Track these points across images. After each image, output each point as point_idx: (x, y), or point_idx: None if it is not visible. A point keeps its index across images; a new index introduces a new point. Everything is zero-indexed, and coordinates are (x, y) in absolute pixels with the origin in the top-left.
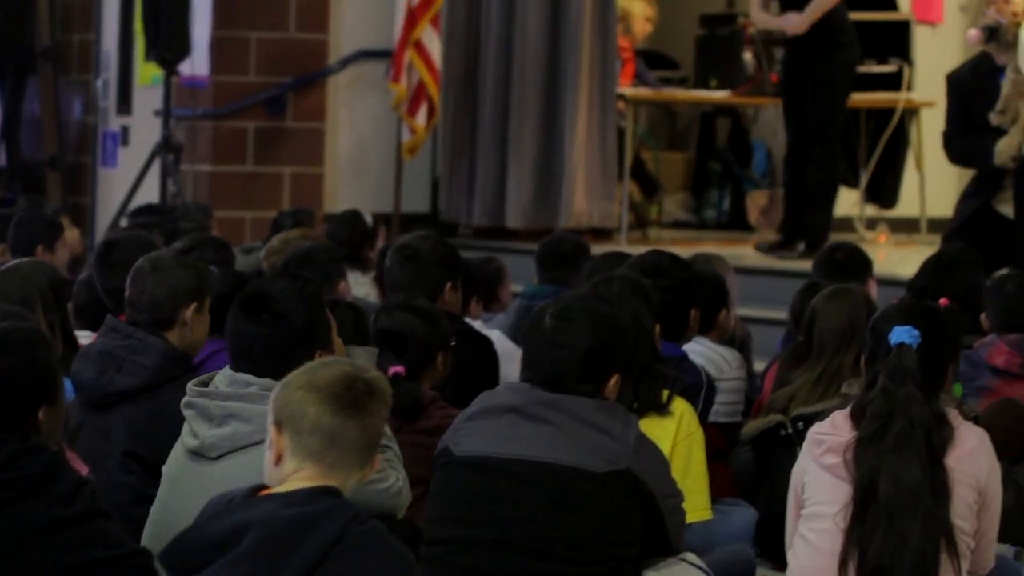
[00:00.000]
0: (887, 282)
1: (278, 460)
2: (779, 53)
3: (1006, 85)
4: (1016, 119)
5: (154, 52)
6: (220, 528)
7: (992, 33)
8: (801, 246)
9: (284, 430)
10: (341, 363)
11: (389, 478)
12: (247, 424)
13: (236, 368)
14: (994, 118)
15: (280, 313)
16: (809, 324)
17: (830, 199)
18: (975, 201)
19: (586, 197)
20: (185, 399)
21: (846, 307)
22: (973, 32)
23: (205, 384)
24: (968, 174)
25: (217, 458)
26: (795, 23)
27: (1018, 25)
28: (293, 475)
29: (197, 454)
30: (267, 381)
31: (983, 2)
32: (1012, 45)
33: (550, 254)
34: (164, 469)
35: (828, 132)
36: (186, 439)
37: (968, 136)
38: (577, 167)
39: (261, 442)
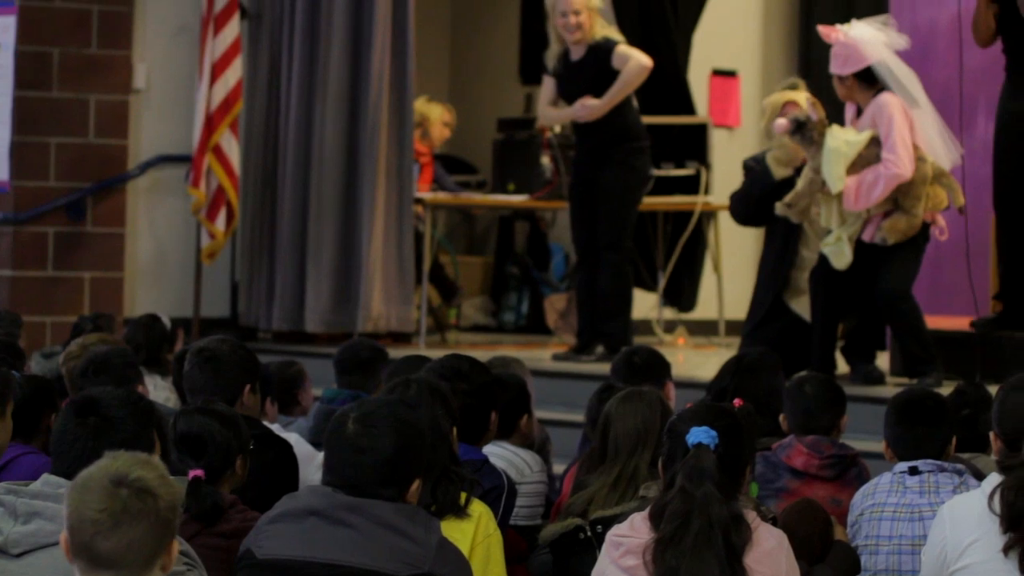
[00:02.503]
0: (686, 384)
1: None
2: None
3: (801, 181)
4: (804, 212)
5: None
6: None
7: (800, 126)
8: (600, 349)
9: (66, 529)
10: (118, 461)
11: None
12: (50, 523)
13: (54, 469)
14: (780, 208)
15: (108, 418)
16: (604, 427)
17: (626, 304)
18: (768, 294)
19: (383, 301)
20: None
21: (640, 409)
22: (782, 122)
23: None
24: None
25: (19, 555)
26: (592, 107)
27: (825, 126)
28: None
29: (0, 551)
30: None
31: (776, 108)
32: (816, 143)
33: (348, 359)
34: None
35: (620, 238)
36: None
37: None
38: (374, 272)
39: None
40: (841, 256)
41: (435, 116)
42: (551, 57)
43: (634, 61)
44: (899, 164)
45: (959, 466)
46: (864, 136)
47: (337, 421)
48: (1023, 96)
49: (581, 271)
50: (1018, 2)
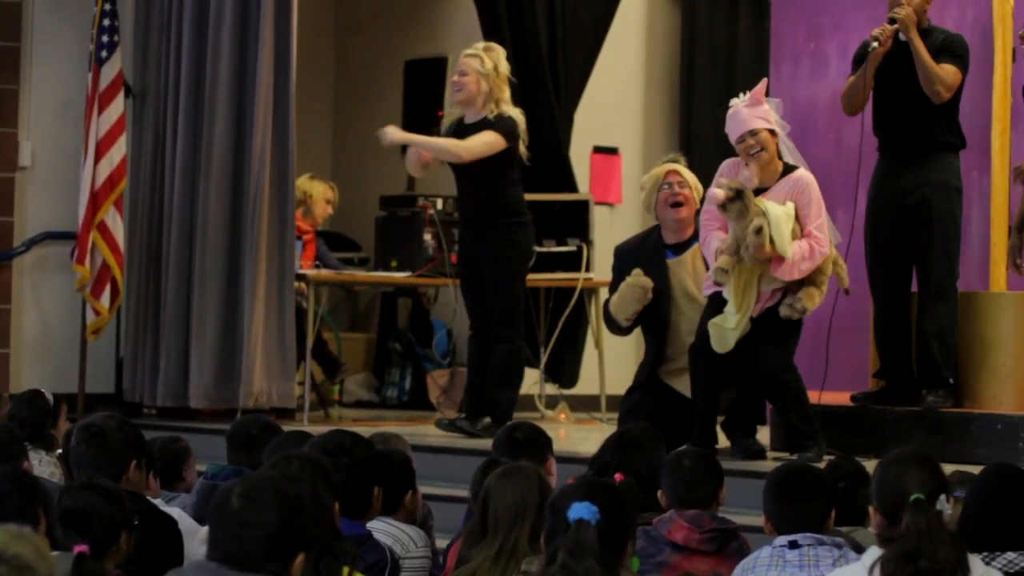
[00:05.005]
0: (568, 460)
1: None
2: (458, 234)
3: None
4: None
5: None
6: None
7: (739, 195)
8: (486, 420)
9: None
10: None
11: None
12: None
13: None
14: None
15: None
16: (484, 502)
17: (517, 377)
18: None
19: (265, 377)
20: None
21: (518, 484)
22: (719, 192)
23: None
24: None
25: None
26: (391, 133)
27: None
28: None
29: None
30: None
31: (657, 181)
32: (745, 214)
33: (238, 435)
34: None
35: (510, 313)
36: None
37: None
38: (256, 348)
39: None
40: (725, 342)
41: (318, 193)
42: (449, 121)
43: (467, 144)
44: (825, 244)
45: (838, 539)
46: (792, 208)
47: (221, 496)
48: (893, 176)
49: (474, 341)
50: (923, 79)
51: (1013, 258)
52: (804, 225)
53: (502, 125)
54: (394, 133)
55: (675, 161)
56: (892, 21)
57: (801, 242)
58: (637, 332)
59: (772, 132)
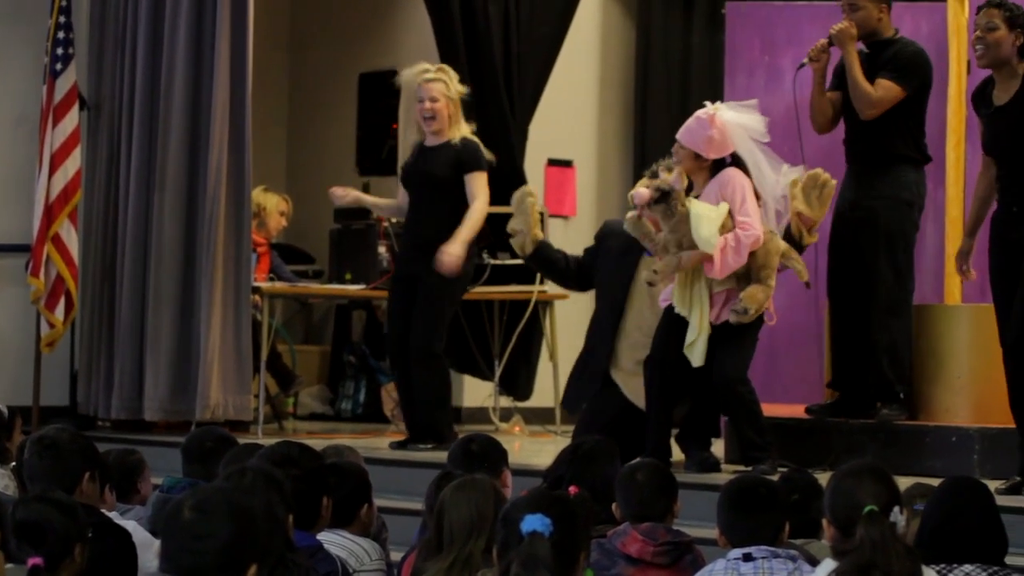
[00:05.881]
0: (523, 472)
1: None
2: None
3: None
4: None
5: None
6: None
7: (665, 195)
8: (429, 444)
9: None
10: None
11: None
12: None
13: None
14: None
15: None
16: (439, 515)
17: (445, 398)
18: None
19: (221, 390)
20: None
21: (473, 497)
22: (644, 192)
23: None
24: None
25: None
26: (453, 254)
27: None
28: None
29: None
30: None
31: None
32: (676, 214)
33: (193, 448)
34: None
35: (438, 332)
36: None
37: None
38: (212, 361)
39: None
40: (701, 354)
41: (271, 206)
42: (407, 148)
43: (480, 201)
44: (754, 226)
45: (792, 552)
46: (724, 207)
47: (173, 509)
48: (861, 186)
49: (397, 365)
50: (851, 94)
51: (960, 264)
52: (732, 216)
53: (473, 155)
54: (452, 259)
55: (668, 168)
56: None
57: (726, 235)
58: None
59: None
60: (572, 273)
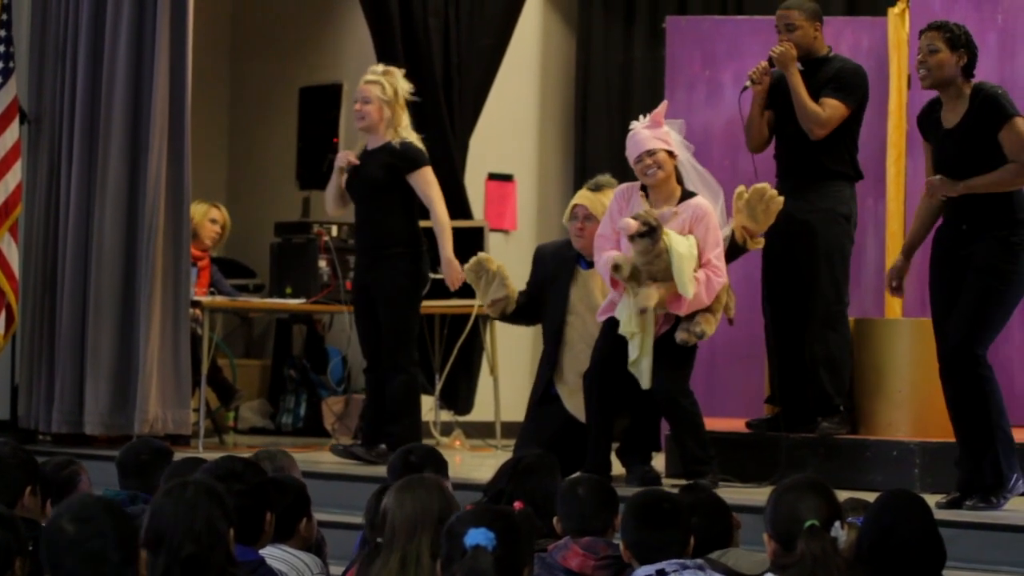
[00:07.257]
0: (463, 486)
1: None
2: (353, 261)
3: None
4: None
5: None
6: None
7: (652, 231)
8: (382, 447)
9: None
10: None
11: None
12: None
13: None
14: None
15: None
16: (383, 516)
17: (415, 407)
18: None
19: (160, 404)
20: None
21: (418, 495)
22: (632, 223)
23: None
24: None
25: None
26: (455, 270)
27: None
28: None
29: None
30: None
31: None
32: (651, 250)
33: (128, 462)
34: None
35: (404, 341)
36: None
37: None
38: (151, 375)
39: None
40: (648, 376)
41: (199, 215)
42: (358, 151)
43: (438, 205)
44: (722, 272)
45: (699, 561)
46: (694, 241)
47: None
48: (796, 200)
49: (369, 374)
50: (799, 115)
51: (890, 280)
52: (703, 253)
53: (409, 154)
54: (453, 276)
55: (608, 185)
56: (771, 59)
57: (698, 273)
58: (532, 361)
59: (670, 153)
60: (532, 311)
